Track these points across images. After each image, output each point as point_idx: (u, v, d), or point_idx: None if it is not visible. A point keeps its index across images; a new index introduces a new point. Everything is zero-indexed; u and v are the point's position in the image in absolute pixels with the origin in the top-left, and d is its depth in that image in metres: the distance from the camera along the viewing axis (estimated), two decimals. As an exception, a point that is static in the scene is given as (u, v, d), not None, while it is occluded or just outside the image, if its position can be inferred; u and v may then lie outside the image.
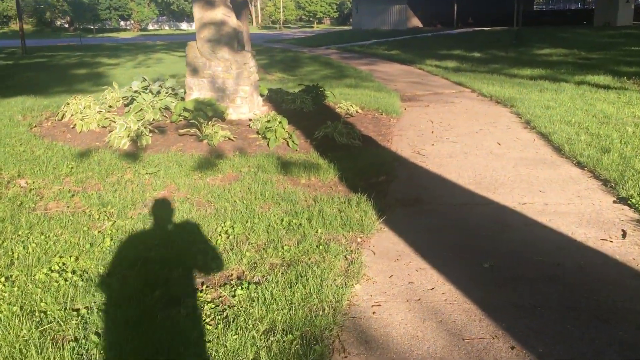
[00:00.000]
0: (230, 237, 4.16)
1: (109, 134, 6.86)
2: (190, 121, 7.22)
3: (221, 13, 7.94)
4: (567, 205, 4.82)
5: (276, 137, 6.71)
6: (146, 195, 5.09)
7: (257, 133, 7.08)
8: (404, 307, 3.27)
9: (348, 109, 9.16)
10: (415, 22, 42.48)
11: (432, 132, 8.03)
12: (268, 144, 6.70)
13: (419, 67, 17.28)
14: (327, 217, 4.49)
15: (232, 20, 7.99)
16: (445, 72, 15.39)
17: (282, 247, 3.97)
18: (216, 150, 6.54)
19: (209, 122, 7.04)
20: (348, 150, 6.74)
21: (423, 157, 6.60)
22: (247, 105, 8.03)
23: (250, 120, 7.74)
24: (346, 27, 53.84)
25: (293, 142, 6.72)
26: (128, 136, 6.69)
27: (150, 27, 79.58)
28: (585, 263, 3.75)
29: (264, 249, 3.97)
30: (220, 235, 4.21)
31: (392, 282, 3.58)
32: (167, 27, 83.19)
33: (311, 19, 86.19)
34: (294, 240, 4.13)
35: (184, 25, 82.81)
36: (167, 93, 8.40)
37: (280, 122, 6.91)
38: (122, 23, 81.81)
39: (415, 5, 41.99)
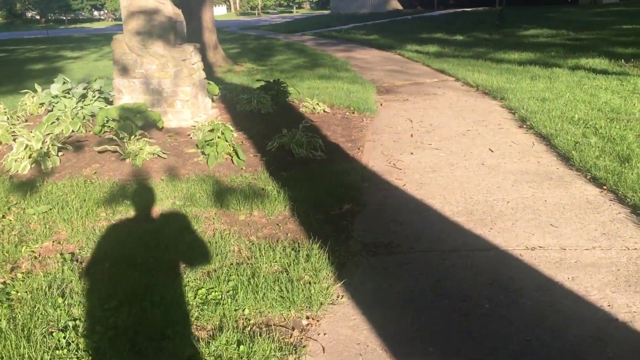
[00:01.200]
0: (108, 333, 2.82)
1: (5, 156, 5.47)
2: (113, 135, 5.85)
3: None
4: (591, 250, 3.55)
5: (217, 153, 5.37)
6: (20, 252, 3.74)
7: (197, 146, 5.73)
8: None
9: (314, 108, 7.82)
10: (395, 4, 41.00)
11: (412, 135, 6.73)
12: (207, 162, 5.36)
13: (398, 53, 15.94)
14: (262, 284, 3.18)
15: (167, 8, 6.60)
16: (427, 58, 14.07)
17: (183, 350, 2.65)
18: (140, 173, 5.20)
19: (135, 135, 5.67)
20: (307, 166, 5.44)
21: (400, 173, 5.30)
22: (190, 109, 6.67)
23: (194, 127, 6.39)
24: (326, 12, 52.23)
25: (239, 157, 5.39)
26: (29, 157, 5.33)
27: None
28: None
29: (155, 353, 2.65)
30: (90, 333, 2.88)
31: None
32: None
33: (290, 4, 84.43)
34: (208, 329, 2.82)
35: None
36: (94, 97, 7.01)
37: (223, 133, 5.57)
38: (95, 13, 79.55)
39: (395, -14, 40.53)
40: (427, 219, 4.20)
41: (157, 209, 4.41)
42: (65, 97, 6.91)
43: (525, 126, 6.76)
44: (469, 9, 32.17)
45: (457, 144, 6.18)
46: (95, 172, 5.23)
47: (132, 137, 5.59)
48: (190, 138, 6.19)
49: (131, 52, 6.63)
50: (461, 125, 7.04)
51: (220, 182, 4.91)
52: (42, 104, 7.23)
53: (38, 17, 70.67)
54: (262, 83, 8.66)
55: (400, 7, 40.70)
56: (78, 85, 7.08)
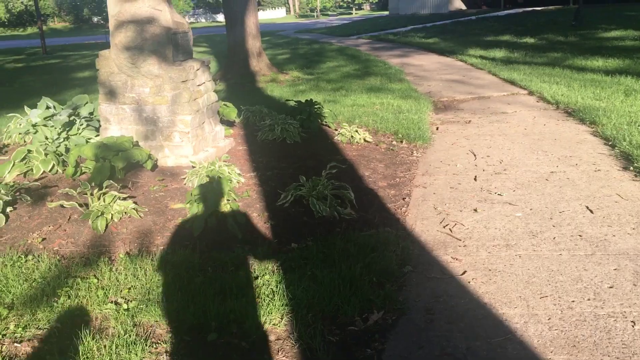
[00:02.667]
0: None
1: None
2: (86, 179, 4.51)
3: (147, 5, 5.19)
4: None
5: (208, 215, 3.93)
6: None
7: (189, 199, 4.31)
8: None
9: (352, 137, 6.30)
10: (458, 4, 38.83)
11: (475, 178, 5.11)
12: (192, 226, 3.93)
13: (460, 59, 14.19)
14: None
15: (164, 17, 5.23)
16: (493, 64, 12.28)
17: None
18: (98, 243, 3.83)
19: (102, 189, 4.31)
20: (328, 232, 3.94)
21: (458, 247, 3.72)
22: (191, 143, 5.27)
23: (194, 168, 4.98)
24: (385, 13, 50.42)
25: (235, 221, 3.93)
26: (-37, 216, 4.04)
27: (186, 20, 78.08)
28: None
29: None
30: None
31: None
32: (203, 20, 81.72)
33: (350, 5, 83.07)
34: None
35: (220, 17, 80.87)
36: (82, 125, 5.72)
37: (219, 181, 4.13)
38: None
39: (458, -15, 38.38)
40: (501, 355, 2.60)
41: (90, 314, 2.99)
42: (46, 125, 5.64)
43: (632, 168, 5.01)
44: (540, 8, 29.78)
45: (539, 196, 4.52)
46: (43, 239, 3.89)
47: (97, 191, 4.21)
48: (185, 184, 4.78)
49: (120, 72, 5.29)
50: (542, 164, 5.36)
51: (197, 267, 3.45)
52: (27, 132, 6.00)
53: (103, 22, 71.96)
54: (294, 103, 7.19)
55: (463, 6, 38.54)
56: (62, 112, 5.79)
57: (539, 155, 5.63)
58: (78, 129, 5.71)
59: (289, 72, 13.78)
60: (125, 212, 4.09)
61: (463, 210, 4.39)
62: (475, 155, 5.85)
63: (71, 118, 5.77)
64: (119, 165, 4.67)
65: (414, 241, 3.86)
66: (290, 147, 6.04)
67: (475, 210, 4.35)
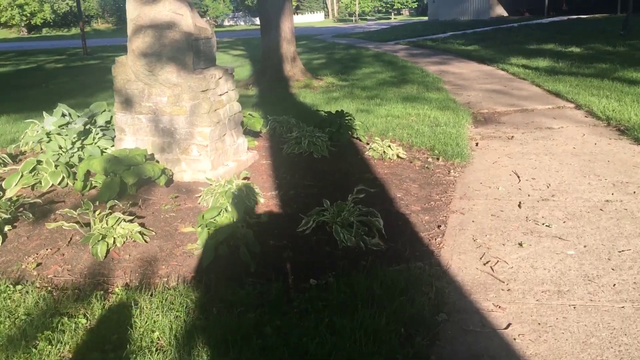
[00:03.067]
0: None
1: None
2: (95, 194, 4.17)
3: (168, 9, 4.83)
4: None
5: (219, 242, 3.53)
6: None
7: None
8: None
9: (384, 152, 5.84)
10: (500, 10, 37.89)
11: (520, 204, 4.60)
12: (201, 255, 3.53)
13: (501, 68, 13.57)
14: None
15: (186, 21, 4.87)
16: (536, 75, 11.65)
17: None
18: (97, 271, 3.45)
19: (105, 210, 3.95)
20: (352, 266, 3.49)
21: (501, 290, 3.24)
22: (210, 157, 4.89)
23: (210, 185, 4.59)
24: (424, 18, 49.69)
25: (249, 250, 3.52)
26: (-44, 235, 3.72)
27: (225, 23, 78.61)
28: None
29: None
30: None
31: None
32: (242, 23, 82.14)
33: (389, 10, 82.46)
34: None
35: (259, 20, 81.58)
36: (97, 135, 5.40)
37: (234, 203, 3.73)
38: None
39: (500, -9, 37.47)
40: None
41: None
42: (60, 134, 5.33)
43: (700, 200, 4.44)
44: (585, 16, 28.77)
45: (593, 231, 3.99)
46: (38, 264, 3.54)
47: (98, 212, 3.84)
48: (199, 203, 4.39)
49: (137, 80, 4.95)
50: (594, 190, 4.81)
51: (200, 307, 3.04)
52: (40, 140, 5.72)
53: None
54: (325, 114, 6.77)
55: (505, 13, 37.62)
56: (78, 120, 5.48)
57: (591, 180, 5.08)
58: (94, 138, 5.39)
59: (324, 77, 13.39)
60: (129, 237, 3.71)
61: (506, 243, 3.89)
62: (519, 177, 5.33)
63: (87, 127, 5.46)
64: (129, 181, 4.32)
65: (450, 281, 3.39)
66: (318, 163, 5.62)
67: (520, 244, 3.85)
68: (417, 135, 6.77)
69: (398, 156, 5.87)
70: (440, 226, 4.25)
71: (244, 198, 4.12)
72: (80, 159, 5.20)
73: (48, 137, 5.37)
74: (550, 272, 3.43)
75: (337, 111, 6.68)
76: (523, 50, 16.61)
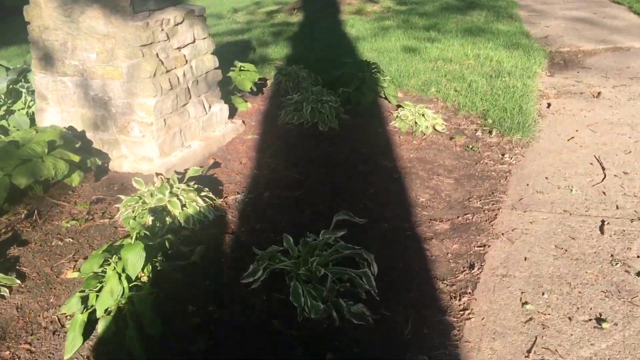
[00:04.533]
0: None
1: None
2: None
3: None
4: None
5: (100, 316, 2.19)
6: None
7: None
8: None
9: (415, 124, 4.26)
10: None
11: (602, 226, 3.01)
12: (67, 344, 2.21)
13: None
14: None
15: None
16: (637, -2, 9.37)
17: None
18: None
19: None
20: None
21: None
22: (156, 138, 3.51)
23: (147, 188, 3.21)
24: None
25: (141, 333, 2.16)
26: None
27: None
28: None
29: None
30: None
31: None
32: None
33: None
34: None
35: None
36: (31, 101, 4.09)
37: (136, 244, 2.35)
38: None
39: None
40: None
41: None
42: (-19, 96, 4.06)
43: None
44: None
45: None
46: None
47: None
48: (119, 217, 3.03)
49: (56, 29, 3.53)
50: None
51: None
52: None
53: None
54: (346, 64, 5.17)
55: None
56: (3, 76, 4.15)
57: None
58: (25, 102, 4.08)
59: (380, 0, 11.52)
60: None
61: (574, 316, 2.37)
62: (603, 168, 3.68)
63: (16, 86, 4.14)
64: (21, 183, 3.00)
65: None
66: (320, 139, 4.13)
67: (599, 320, 2.32)
68: (468, 93, 5.11)
69: (434, 129, 4.29)
70: (473, 267, 2.75)
71: (168, 223, 2.74)
72: (4, 131, 3.93)
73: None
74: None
75: (363, 61, 5.07)
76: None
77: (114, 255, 2.34)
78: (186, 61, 3.74)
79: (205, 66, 3.94)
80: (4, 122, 4.01)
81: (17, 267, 2.65)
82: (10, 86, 4.09)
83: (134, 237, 2.43)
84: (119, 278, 2.28)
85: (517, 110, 4.60)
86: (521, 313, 2.43)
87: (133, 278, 2.29)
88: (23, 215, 3.07)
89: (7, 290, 2.48)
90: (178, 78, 3.64)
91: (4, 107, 4.06)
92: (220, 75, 4.13)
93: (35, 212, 3.09)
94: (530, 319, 2.39)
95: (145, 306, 2.22)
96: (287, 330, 2.31)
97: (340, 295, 2.42)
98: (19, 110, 4.08)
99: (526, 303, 2.48)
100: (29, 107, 4.06)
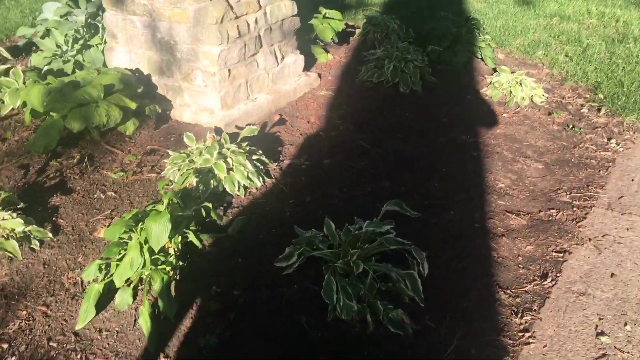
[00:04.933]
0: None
1: None
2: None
3: None
4: None
5: (106, 289, 2.05)
6: None
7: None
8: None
9: (510, 94, 3.77)
10: None
11: None
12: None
13: None
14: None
15: None
16: None
17: None
18: None
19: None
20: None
21: None
22: (219, 90, 3.29)
23: (225, 128, 3.04)
24: None
25: (150, 317, 1.99)
26: None
27: None
28: None
29: None
30: None
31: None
32: None
33: None
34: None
35: None
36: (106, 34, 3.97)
37: (161, 214, 2.15)
38: None
39: None
40: None
41: None
42: (57, 28, 3.97)
43: None
44: None
45: None
46: None
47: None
48: (165, 174, 2.85)
49: (127, -39, 3.33)
50: None
51: None
52: (36, 32, 4.32)
53: None
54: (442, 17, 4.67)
55: None
56: (77, 11, 4.02)
57: None
58: (102, 39, 3.97)
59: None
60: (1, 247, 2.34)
61: (660, 364, 1.94)
62: None
63: (94, 20, 4.03)
64: (74, 127, 2.88)
65: None
66: (399, 102, 3.74)
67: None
68: (580, 60, 4.47)
69: (531, 100, 3.77)
70: (545, 277, 2.35)
71: (212, 187, 2.53)
72: (79, 66, 3.85)
73: (46, 30, 4.04)
74: None
75: (459, 14, 4.55)
76: None
77: (139, 223, 2.15)
78: (260, 7, 3.44)
79: (281, 13, 3.62)
80: (79, 57, 3.92)
81: (54, 219, 2.55)
82: (89, 20, 3.97)
83: (165, 204, 2.23)
84: (141, 249, 2.09)
85: (636, 86, 3.96)
86: (594, 346, 2.03)
87: (155, 250, 2.10)
88: (75, 160, 2.97)
89: (38, 244, 2.38)
90: (248, 25, 3.35)
91: (81, 41, 3.96)
92: (299, 23, 3.80)
93: (86, 158, 2.98)
94: (604, 355, 1.99)
95: (162, 283, 2.04)
96: (313, 330, 2.05)
97: (381, 295, 2.12)
98: (96, 45, 3.97)
99: (602, 334, 2.08)
100: (105, 43, 3.93)
